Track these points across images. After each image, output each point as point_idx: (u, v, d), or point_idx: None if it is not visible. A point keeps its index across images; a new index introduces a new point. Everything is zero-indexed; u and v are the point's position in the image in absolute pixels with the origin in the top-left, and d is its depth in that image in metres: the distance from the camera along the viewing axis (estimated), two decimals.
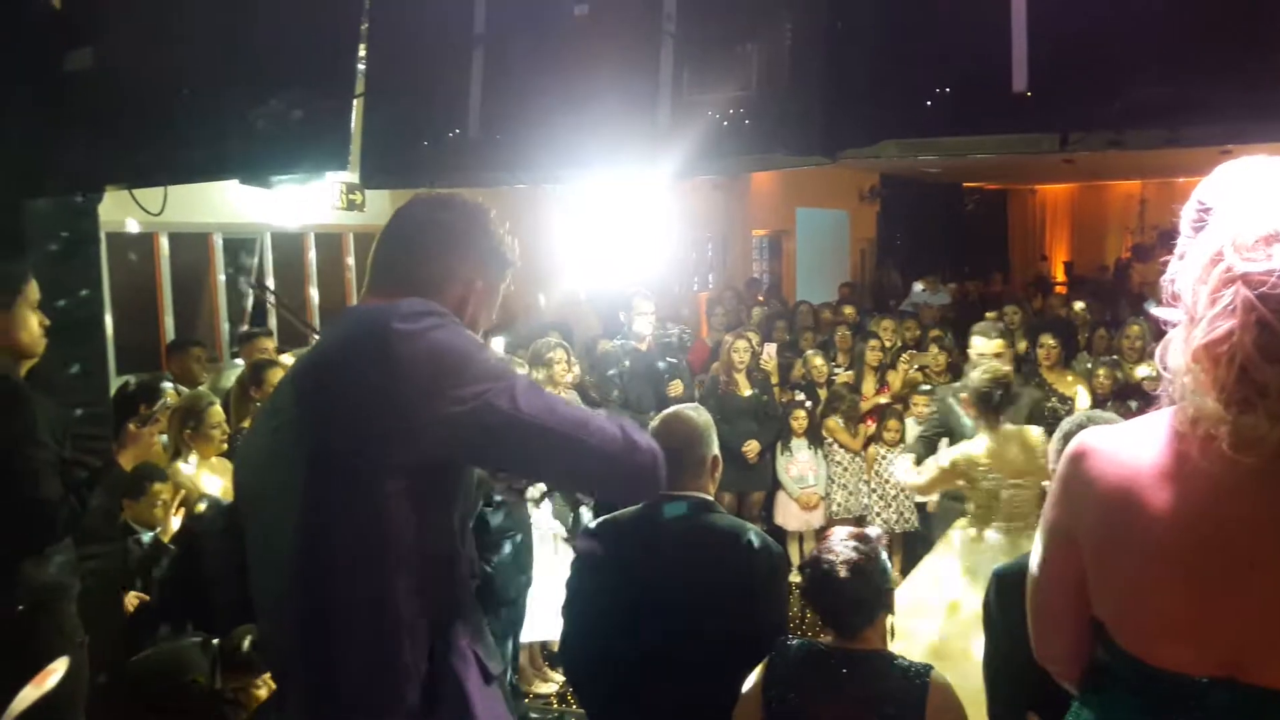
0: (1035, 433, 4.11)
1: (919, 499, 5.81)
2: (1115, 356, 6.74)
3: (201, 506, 4.20)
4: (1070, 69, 2.18)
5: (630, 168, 2.75)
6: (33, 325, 2.90)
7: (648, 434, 1.72)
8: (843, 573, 2.37)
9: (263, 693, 3.32)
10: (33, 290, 2.93)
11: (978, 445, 4.11)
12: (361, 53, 3.01)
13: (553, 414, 1.58)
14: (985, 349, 5.00)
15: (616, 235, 7.80)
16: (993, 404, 4.07)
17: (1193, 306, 1.35)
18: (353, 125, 2.99)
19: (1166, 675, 1.41)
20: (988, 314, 8.43)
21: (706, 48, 2.58)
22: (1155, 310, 1.42)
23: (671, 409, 2.84)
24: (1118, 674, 1.49)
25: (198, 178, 3.40)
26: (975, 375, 4.22)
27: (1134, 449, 1.44)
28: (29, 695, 2.56)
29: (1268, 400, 1.28)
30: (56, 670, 2.72)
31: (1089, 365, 6.71)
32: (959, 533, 4.17)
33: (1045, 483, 3.79)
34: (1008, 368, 4.48)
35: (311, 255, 7.81)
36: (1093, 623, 1.53)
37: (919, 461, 4.56)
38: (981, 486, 4.02)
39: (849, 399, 6.83)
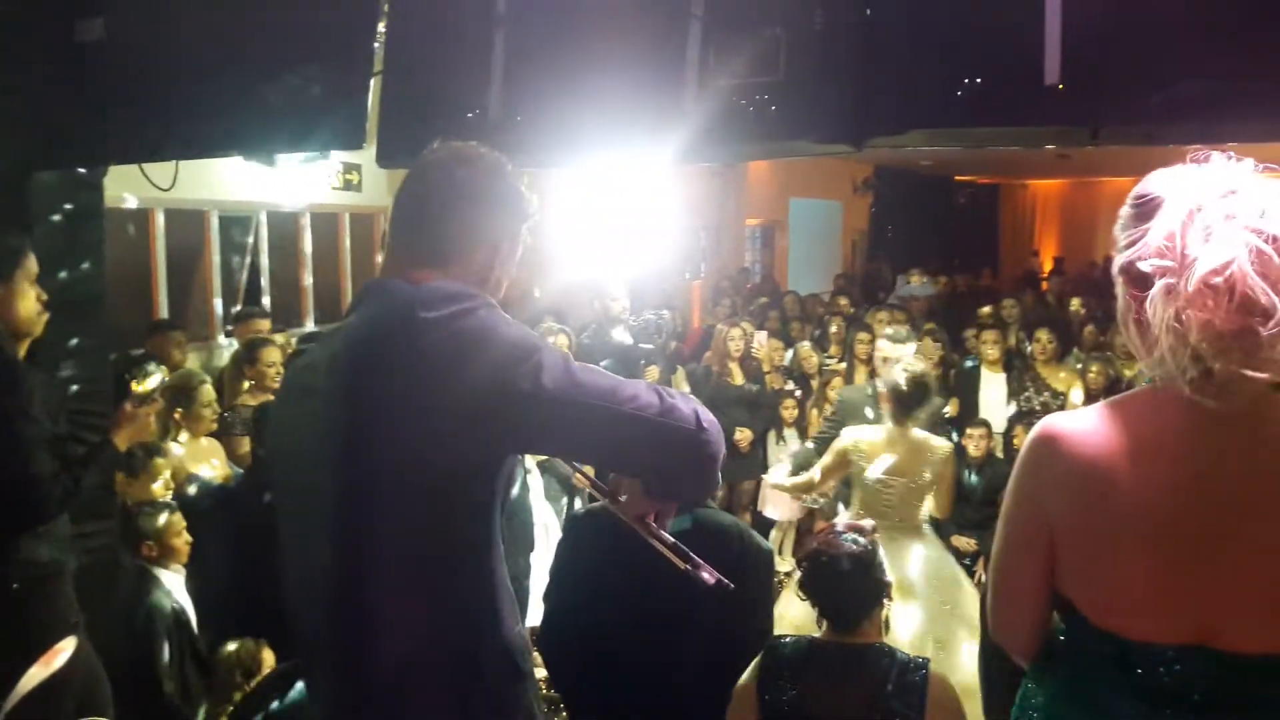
0: (936, 441, 4.23)
1: (806, 499, 5.89)
2: (1108, 353, 6.77)
3: (192, 489, 4.17)
4: (1103, 62, 2.17)
5: (654, 151, 2.72)
6: (30, 299, 2.84)
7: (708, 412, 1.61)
8: (845, 565, 2.38)
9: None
10: (31, 264, 2.86)
11: (869, 433, 4.24)
12: (381, 29, 2.97)
13: (597, 389, 1.50)
14: (892, 352, 5.08)
15: (614, 222, 7.77)
16: (906, 401, 4.16)
17: (1179, 253, 1.38)
18: (369, 103, 2.95)
19: (1138, 646, 1.46)
20: (981, 309, 8.46)
21: (734, 32, 2.55)
22: (1142, 265, 1.43)
23: None
24: (1086, 649, 1.53)
25: (211, 153, 3.35)
26: (896, 372, 4.32)
27: (1101, 429, 1.48)
28: (36, 674, 2.53)
29: (1267, 324, 1.32)
30: (64, 650, 2.70)
31: (1080, 361, 6.74)
32: None
33: (915, 482, 4.07)
34: (923, 367, 4.58)
35: (307, 236, 7.74)
36: (1054, 601, 1.57)
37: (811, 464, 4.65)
38: (863, 480, 4.14)
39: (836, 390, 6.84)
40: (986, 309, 8.35)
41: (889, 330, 5.61)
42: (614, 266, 7.06)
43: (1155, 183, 1.49)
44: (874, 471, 4.12)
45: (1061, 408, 6.07)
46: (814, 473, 4.47)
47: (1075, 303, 8.93)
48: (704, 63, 2.57)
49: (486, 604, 1.62)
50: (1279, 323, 1.32)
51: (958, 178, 16.60)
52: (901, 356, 4.96)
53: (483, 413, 1.47)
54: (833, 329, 7.84)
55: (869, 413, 4.87)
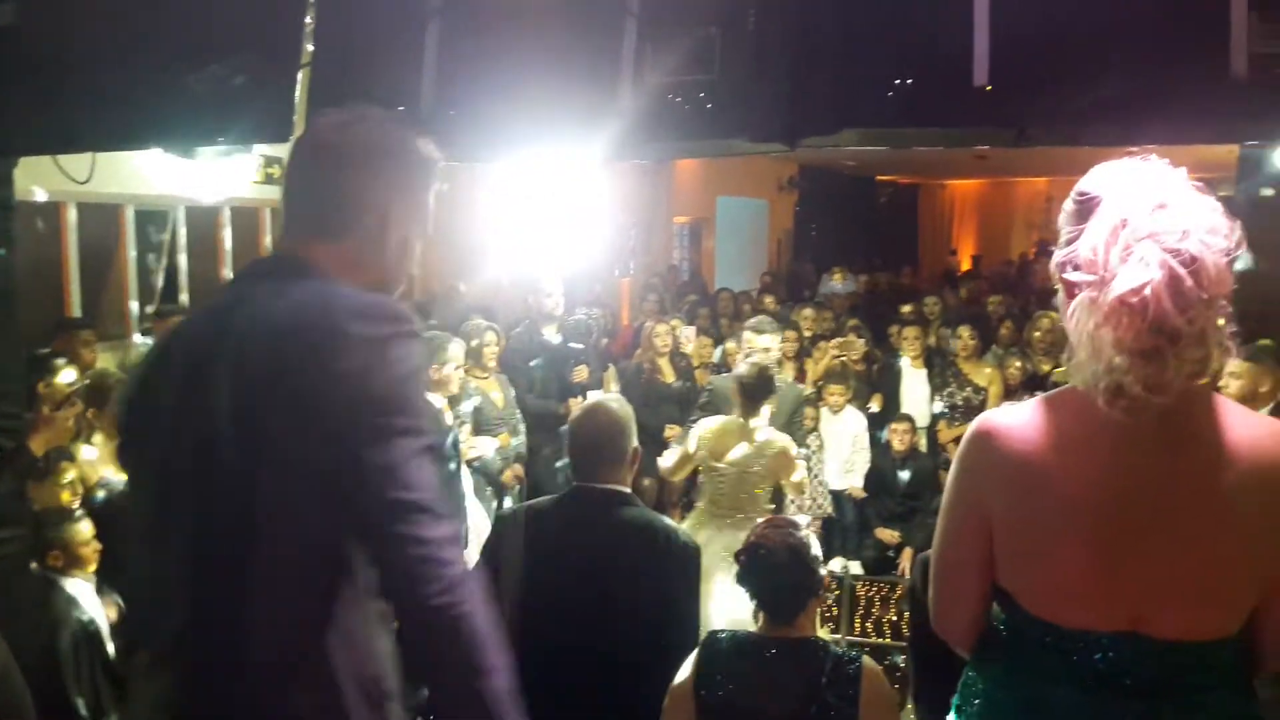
0: (776, 436, 4.37)
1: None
2: (1026, 349, 6.96)
3: (101, 493, 4.03)
4: (1030, 65, 2.23)
5: (588, 148, 2.72)
6: None
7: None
8: (782, 557, 2.40)
9: None
10: None
11: (713, 423, 4.38)
12: (309, 20, 2.90)
13: (424, 496, 1.42)
14: (758, 344, 5.20)
15: (542, 219, 7.72)
16: (751, 393, 4.31)
17: (1103, 267, 1.44)
18: (297, 95, 2.89)
19: (1074, 634, 1.51)
20: (903, 306, 8.63)
21: (669, 29, 2.56)
22: (1068, 275, 1.50)
23: (594, 400, 2.85)
24: (1024, 638, 1.58)
25: (129, 145, 3.24)
26: (743, 365, 4.49)
27: (1036, 425, 1.53)
28: None
29: (1177, 346, 1.38)
30: None
31: (999, 357, 6.91)
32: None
33: (747, 472, 4.22)
34: (768, 361, 4.74)
35: (227, 231, 7.53)
36: (993, 593, 1.62)
37: None
38: (704, 467, 4.32)
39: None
40: (908, 306, 8.52)
41: (751, 322, 5.70)
42: (545, 263, 7.02)
43: (1096, 180, 1.53)
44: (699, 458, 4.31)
45: (983, 403, 6.24)
46: (673, 456, 4.57)
47: (993, 300, 9.15)
48: (639, 60, 2.58)
49: (356, 620, 1.53)
50: (1188, 345, 1.38)
51: (879, 178, 16.91)
52: (769, 349, 5.14)
53: (361, 445, 1.42)
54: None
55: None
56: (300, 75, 2.89)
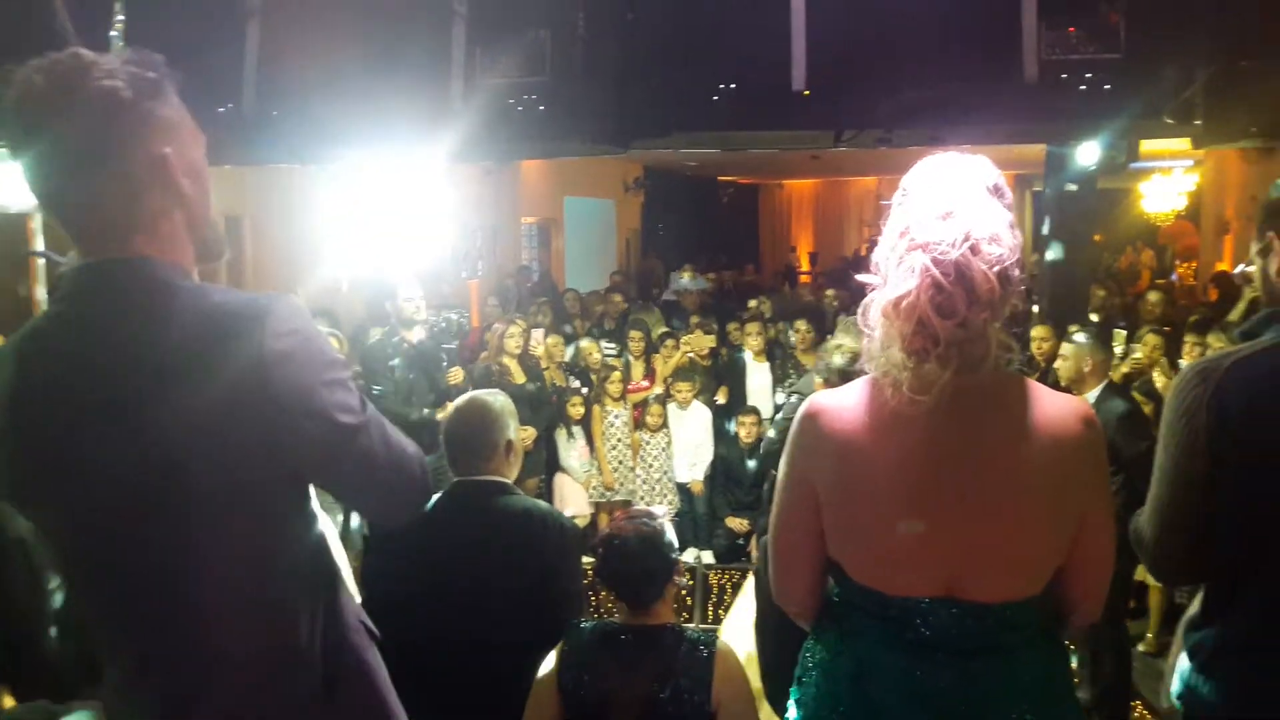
0: None
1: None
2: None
3: None
4: (844, 72, 2.35)
5: (419, 149, 2.69)
6: None
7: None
8: (634, 545, 2.44)
9: None
10: None
11: None
12: (119, 18, 2.75)
13: (390, 450, 1.54)
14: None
15: (384, 221, 7.54)
16: None
17: (884, 271, 1.58)
18: None
19: (897, 600, 1.62)
20: (749, 301, 8.88)
21: (500, 32, 2.57)
22: (860, 277, 1.64)
23: (470, 394, 2.83)
24: (854, 606, 1.68)
25: None
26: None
27: (859, 404, 1.64)
28: None
29: (940, 349, 1.51)
30: None
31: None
32: None
33: None
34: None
35: (39, 242, 7.01)
36: (827, 564, 1.71)
37: None
38: None
39: (617, 385, 6.98)
40: (752, 302, 8.78)
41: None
42: (400, 267, 6.83)
43: (912, 177, 1.65)
44: None
45: None
46: None
47: (829, 294, 9.53)
48: (470, 62, 2.57)
49: (330, 587, 1.61)
50: (954, 346, 1.51)
51: (721, 178, 17.30)
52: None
53: (314, 441, 1.46)
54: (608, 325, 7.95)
55: None
56: None
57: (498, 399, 2.78)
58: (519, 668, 2.49)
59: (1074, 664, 4.49)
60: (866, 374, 1.63)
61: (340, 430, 1.46)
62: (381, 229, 6.24)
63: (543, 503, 2.87)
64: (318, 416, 1.44)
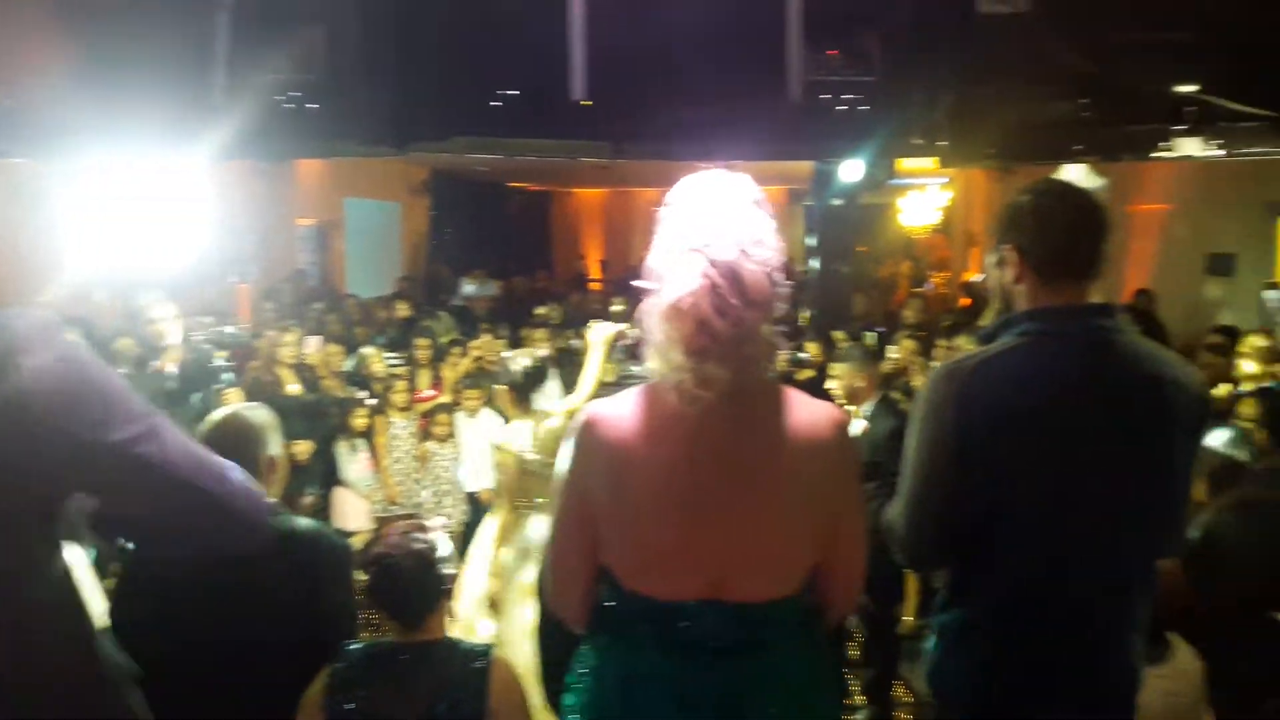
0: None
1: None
2: None
3: None
4: (623, 84, 2.40)
5: (177, 146, 2.52)
6: None
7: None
8: (404, 561, 2.39)
9: None
10: None
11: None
12: None
13: (195, 464, 1.50)
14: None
15: (140, 222, 6.99)
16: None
17: (662, 276, 1.65)
18: None
19: (662, 605, 1.68)
20: (537, 309, 8.88)
21: (268, 27, 2.45)
22: (636, 282, 1.71)
23: (226, 410, 2.68)
24: (625, 612, 1.73)
25: None
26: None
27: (632, 413, 1.69)
28: None
29: (719, 346, 1.59)
30: None
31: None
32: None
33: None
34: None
35: None
36: (598, 572, 1.76)
37: None
38: None
39: (402, 395, 6.81)
40: (542, 309, 8.80)
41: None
42: (145, 280, 6.22)
43: (674, 194, 1.72)
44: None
45: None
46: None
47: (617, 302, 9.67)
48: (234, 57, 2.43)
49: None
50: (733, 344, 1.58)
51: (510, 184, 17.22)
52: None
53: (93, 465, 1.42)
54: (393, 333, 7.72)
55: None
56: None
57: (256, 413, 2.65)
58: (285, 699, 2.38)
59: (852, 653, 4.78)
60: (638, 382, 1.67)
61: (117, 446, 1.40)
62: (129, 231, 5.70)
63: (307, 521, 2.75)
64: (87, 435, 1.37)
